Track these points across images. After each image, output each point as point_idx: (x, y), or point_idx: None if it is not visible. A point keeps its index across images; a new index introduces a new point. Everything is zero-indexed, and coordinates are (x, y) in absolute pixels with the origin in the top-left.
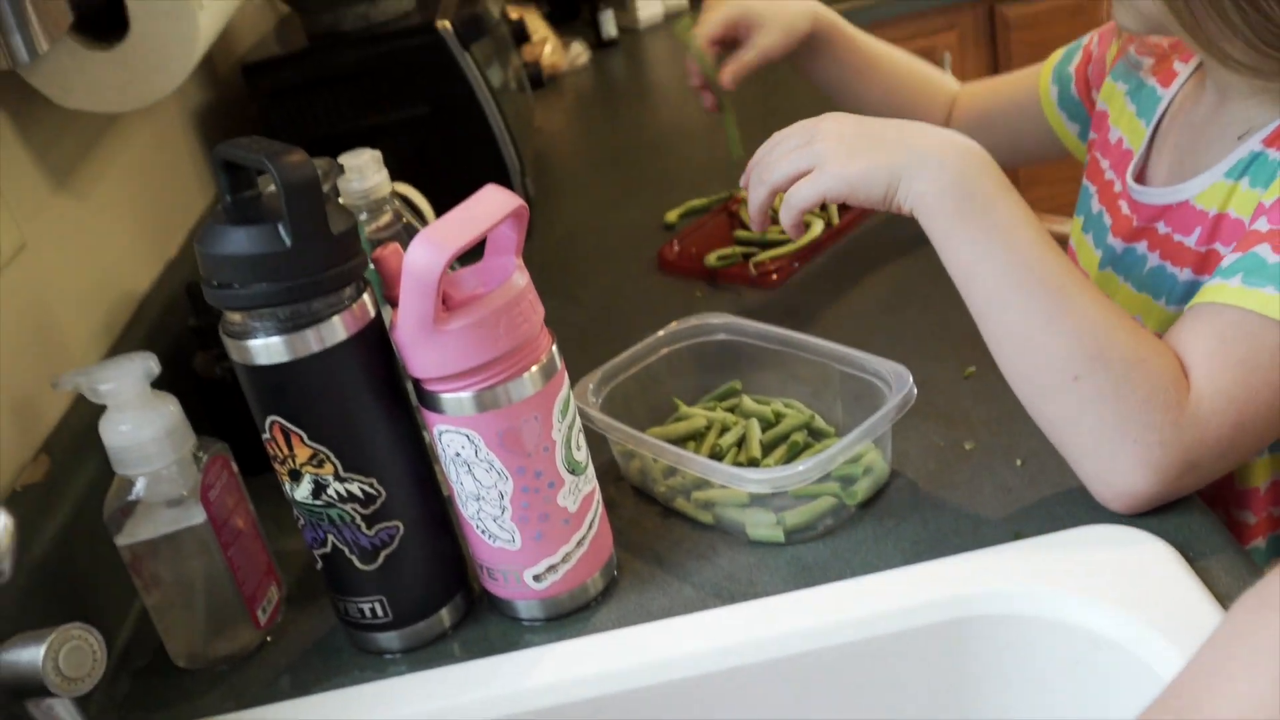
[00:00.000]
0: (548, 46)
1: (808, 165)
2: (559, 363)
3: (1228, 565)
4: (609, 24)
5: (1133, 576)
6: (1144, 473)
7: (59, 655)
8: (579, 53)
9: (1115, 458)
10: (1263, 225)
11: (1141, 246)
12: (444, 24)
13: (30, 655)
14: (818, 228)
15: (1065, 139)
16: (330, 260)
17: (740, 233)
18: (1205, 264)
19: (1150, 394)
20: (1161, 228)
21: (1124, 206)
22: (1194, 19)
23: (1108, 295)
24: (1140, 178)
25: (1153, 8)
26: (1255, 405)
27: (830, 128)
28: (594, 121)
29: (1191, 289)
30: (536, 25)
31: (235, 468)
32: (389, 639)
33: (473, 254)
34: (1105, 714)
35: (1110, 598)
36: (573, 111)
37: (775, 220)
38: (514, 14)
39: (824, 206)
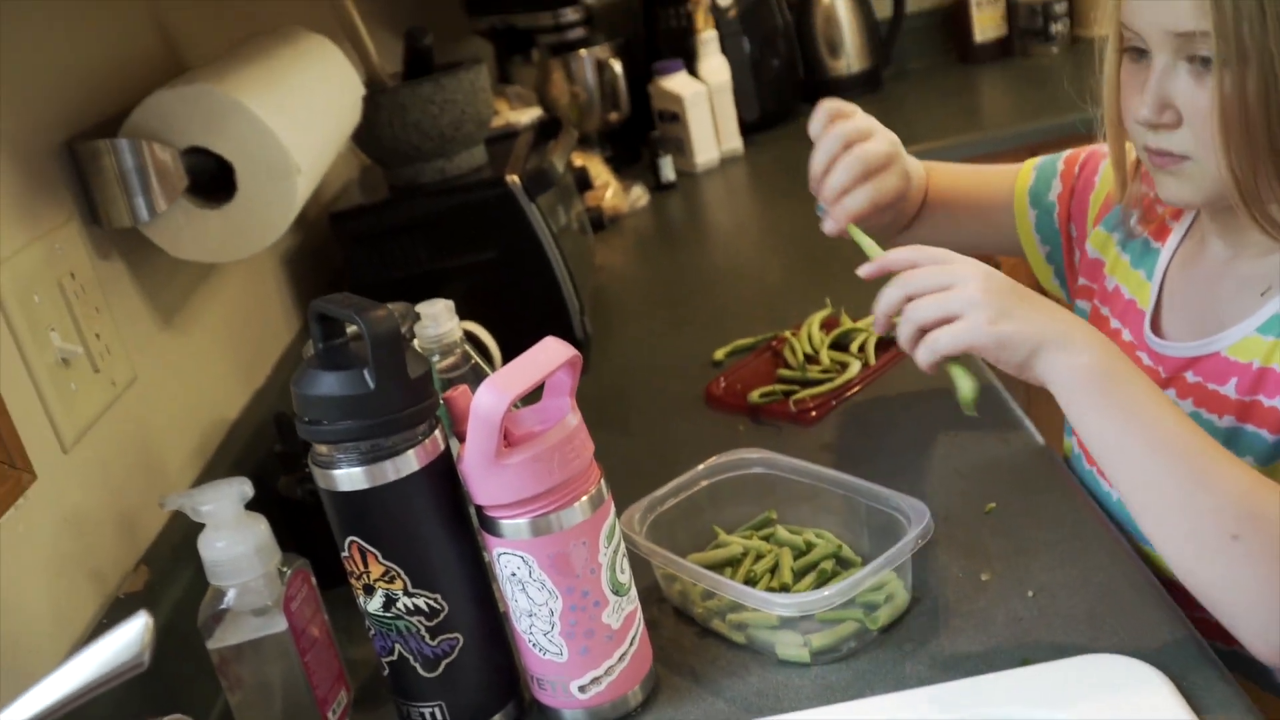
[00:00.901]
0: (609, 191)
1: (956, 311)
2: (606, 493)
3: (1219, 696)
4: (668, 168)
5: (1128, 703)
6: None
7: None
8: (639, 196)
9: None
10: None
11: (1170, 394)
12: (513, 178)
13: None
14: (855, 368)
15: (1033, 259)
16: (407, 401)
17: (783, 371)
18: (1249, 412)
19: None
20: (1190, 377)
21: (1145, 358)
22: (1256, 190)
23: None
24: (1155, 329)
25: (1216, 181)
26: None
27: (976, 277)
28: (651, 261)
29: (1234, 434)
30: (599, 171)
31: (314, 581)
32: None
33: (533, 395)
34: None
35: None
36: (632, 251)
37: (813, 360)
38: (579, 161)
39: (862, 347)
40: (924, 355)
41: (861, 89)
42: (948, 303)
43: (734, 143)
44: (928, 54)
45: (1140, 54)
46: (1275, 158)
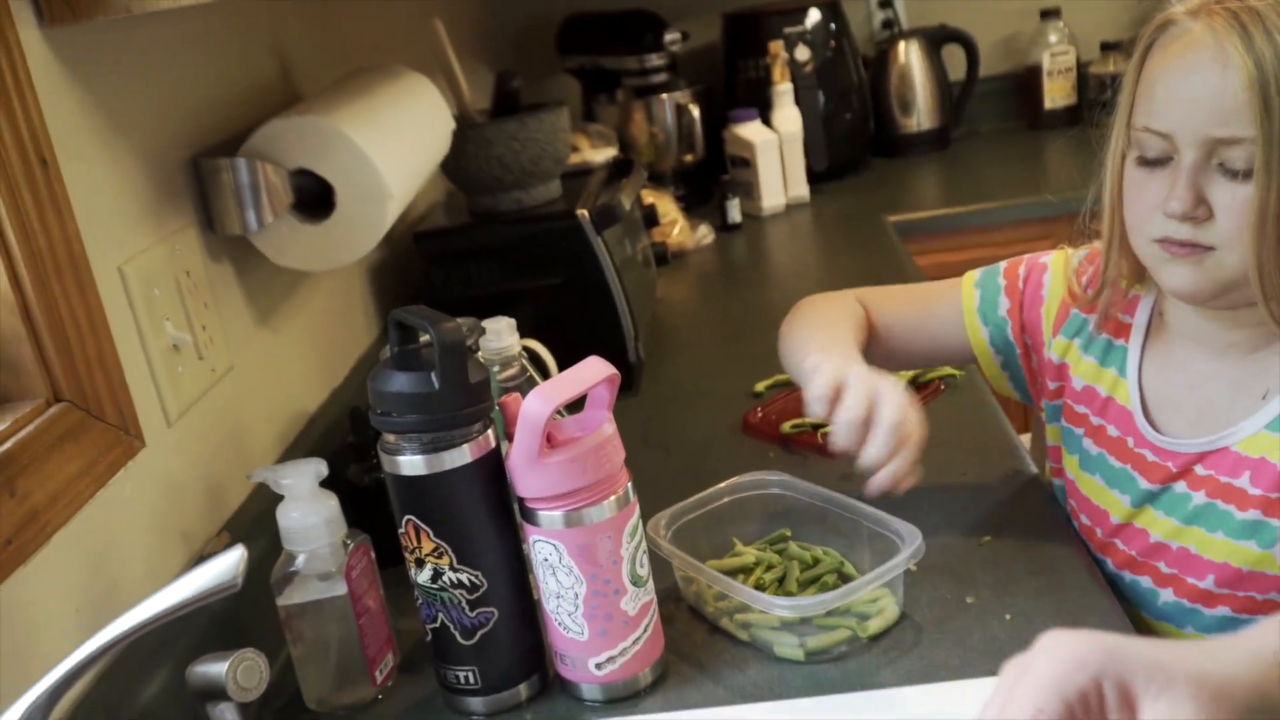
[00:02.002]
0: (676, 228)
1: None
2: (632, 496)
3: None
4: (734, 210)
5: None
6: None
7: (238, 669)
8: (705, 234)
9: None
10: None
11: (1181, 486)
12: (583, 212)
13: (217, 668)
14: None
15: (987, 367)
16: (466, 402)
17: None
18: (1270, 508)
19: None
20: (1200, 470)
21: (1149, 454)
22: (1277, 285)
23: None
24: (1152, 426)
25: (1231, 273)
26: None
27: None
28: (709, 296)
29: (1259, 525)
30: (668, 208)
31: (373, 556)
32: (476, 703)
33: (576, 406)
34: None
35: None
36: (693, 286)
37: None
38: (649, 199)
39: None
40: None
41: (931, 147)
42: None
43: (801, 190)
44: (998, 117)
45: (1156, 163)
46: None
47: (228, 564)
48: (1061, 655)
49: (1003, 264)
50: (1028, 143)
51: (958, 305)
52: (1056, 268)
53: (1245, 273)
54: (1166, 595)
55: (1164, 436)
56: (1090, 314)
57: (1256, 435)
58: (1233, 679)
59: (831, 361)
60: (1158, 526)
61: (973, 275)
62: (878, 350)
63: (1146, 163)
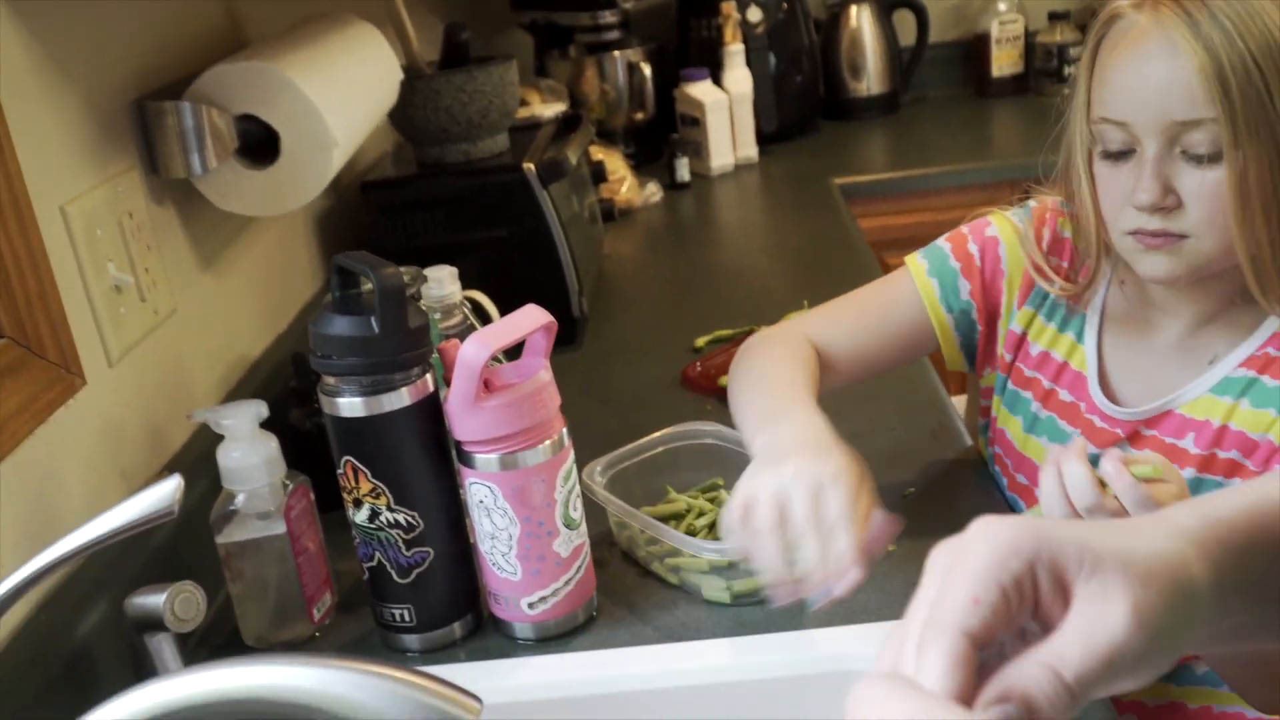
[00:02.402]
0: (624, 185)
1: None
2: (567, 442)
3: None
4: (683, 169)
5: None
6: None
7: (176, 600)
8: (653, 192)
9: None
10: None
11: (1127, 448)
12: (529, 166)
13: (155, 599)
14: None
15: (948, 350)
16: (405, 347)
17: None
18: (1209, 465)
19: None
20: (1146, 431)
21: (1097, 420)
22: (1265, 261)
23: None
24: (1105, 392)
25: (1206, 257)
26: None
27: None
28: (655, 253)
29: (1196, 484)
30: (617, 166)
31: (313, 498)
32: (411, 640)
33: (515, 354)
34: None
35: None
36: (639, 243)
37: None
38: (598, 155)
39: None
40: None
41: (879, 111)
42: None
43: (749, 151)
44: (946, 84)
45: (1120, 156)
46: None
47: (165, 491)
48: (998, 542)
49: (945, 244)
50: (975, 109)
51: (917, 301)
52: (1008, 238)
53: (1222, 255)
54: None
55: (1114, 405)
56: (1065, 294)
57: (1200, 398)
58: (1157, 555)
59: (750, 474)
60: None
61: (920, 265)
62: (838, 377)
63: (1110, 156)
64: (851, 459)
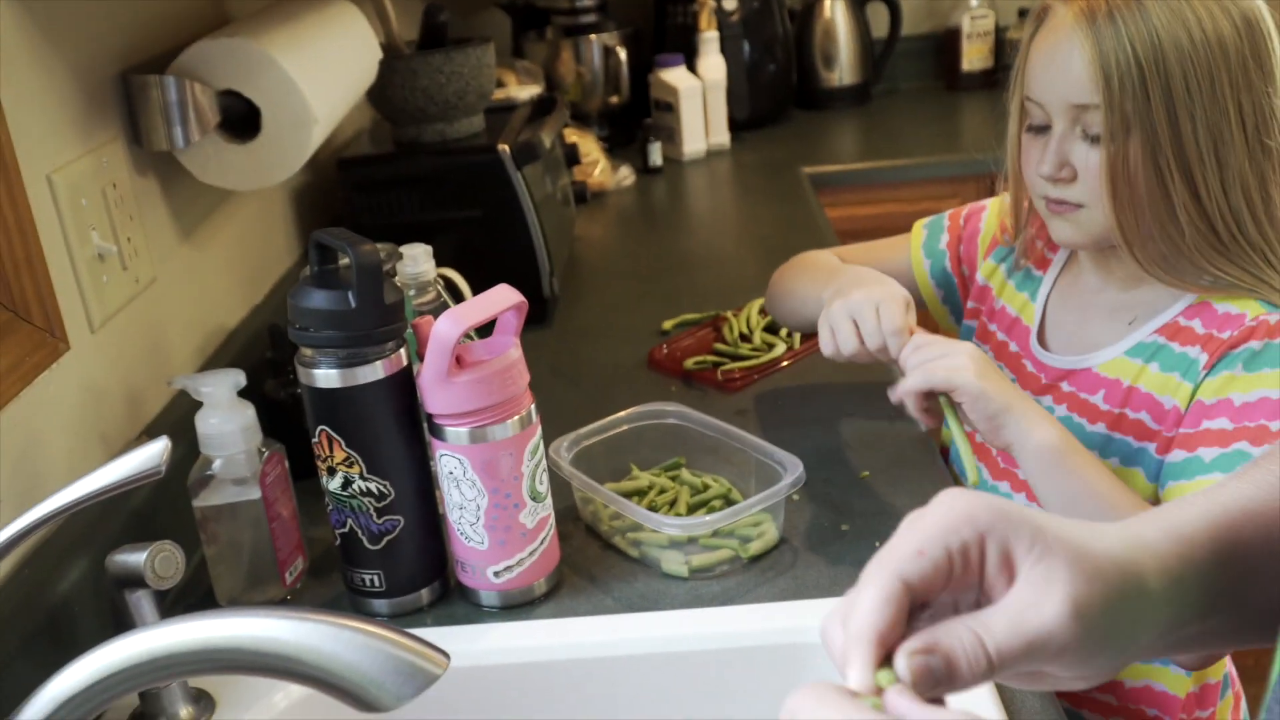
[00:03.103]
0: (598, 168)
1: (953, 364)
2: (534, 418)
3: None
4: (656, 154)
5: None
6: None
7: (156, 559)
8: (625, 175)
9: None
10: (1222, 424)
11: (1048, 399)
12: (503, 147)
13: (136, 557)
14: (780, 349)
15: (930, 303)
16: (380, 321)
17: (718, 345)
18: (1118, 424)
19: None
20: (1066, 386)
21: (1029, 365)
22: (1138, 235)
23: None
24: (1040, 342)
25: (1101, 226)
26: None
27: (969, 351)
28: (627, 236)
29: (1107, 443)
30: (591, 148)
31: (287, 466)
32: (380, 605)
33: (486, 332)
34: None
35: None
36: (611, 225)
37: (746, 339)
38: (572, 138)
39: (790, 333)
40: (918, 378)
41: (851, 101)
42: (948, 356)
43: (722, 138)
44: (917, 76)
45: (1040, 130)
46: (1154, 210)
47: (153, 451)
48: (955, 508)
49: (949, 210)
50: (944, 102)
51: (907, 247)
52: (993, 207)
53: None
54: (1022, 500)
55: (1045, 352)
56: (1022, 245)
57: (1115, 359)
58: (1109, 557)
59: (826, 308)
60: None
61: (924, 220)
62: None
63: (1032, 129)
64: (899, 287)
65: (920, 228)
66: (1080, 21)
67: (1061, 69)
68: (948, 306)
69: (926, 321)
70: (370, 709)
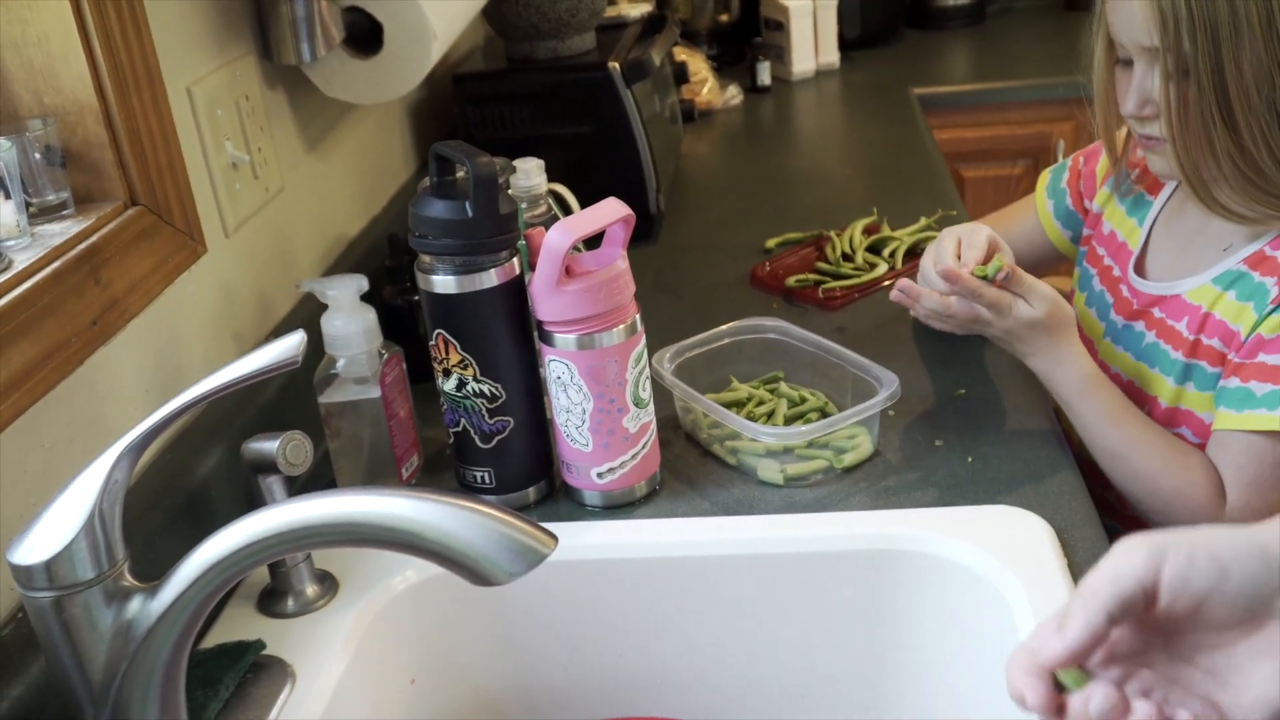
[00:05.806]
0: (706, 87)
1: (981, 321)
2: (639, 327)
3: (1089, 542)
4: (764, 73)
5: (1013, 540)
6: None
7: (288, 447)
8: (734, 95)
9: None
10: (1278, 360)
11: (1140, 325)
12: (614, 65)
13: (269, 445)
14: (882, 269)
15: (1059, 243)
16: (495, 231)
17: (820, 264)
18: (1195, 350)
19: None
20: (1157, 313)
21: (1124, 290)
22: (1200, 177)
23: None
24: (1139, 269)
25: (1169, 167)
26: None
27: (1018, 329)
28: (732, 155)
29: (1187, 370)
30: (699, 67)
31: (405, 367)
32: (490, 501)
33: (595, 244)
34: (973, 626)
35: (991, 550)
36: (718, 144)
37: (849, 259)
38: (681, 56)
39: (892, 253)
40: (941, 311)
41: (964, 21)
42: (997, 318)
43: (831, 57)
44: None
45: (1127, 64)
46: (1213, 150)
47: (291, 343)
48: (1181, 572)
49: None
50: (1060, 22)
51: (1034, 200)
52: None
53: None
54: None
55: (1141, 279)
56: (1131, 170)
57: (1201, 286)
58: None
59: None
60: (1116, 360)
61: (1046, 170)
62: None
63: (1120, 62)
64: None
65: (1045, 174)
66: None
67: (1128, 11)
68: (1077, 245)
69: (1067, 270)
70: (484, 583)
